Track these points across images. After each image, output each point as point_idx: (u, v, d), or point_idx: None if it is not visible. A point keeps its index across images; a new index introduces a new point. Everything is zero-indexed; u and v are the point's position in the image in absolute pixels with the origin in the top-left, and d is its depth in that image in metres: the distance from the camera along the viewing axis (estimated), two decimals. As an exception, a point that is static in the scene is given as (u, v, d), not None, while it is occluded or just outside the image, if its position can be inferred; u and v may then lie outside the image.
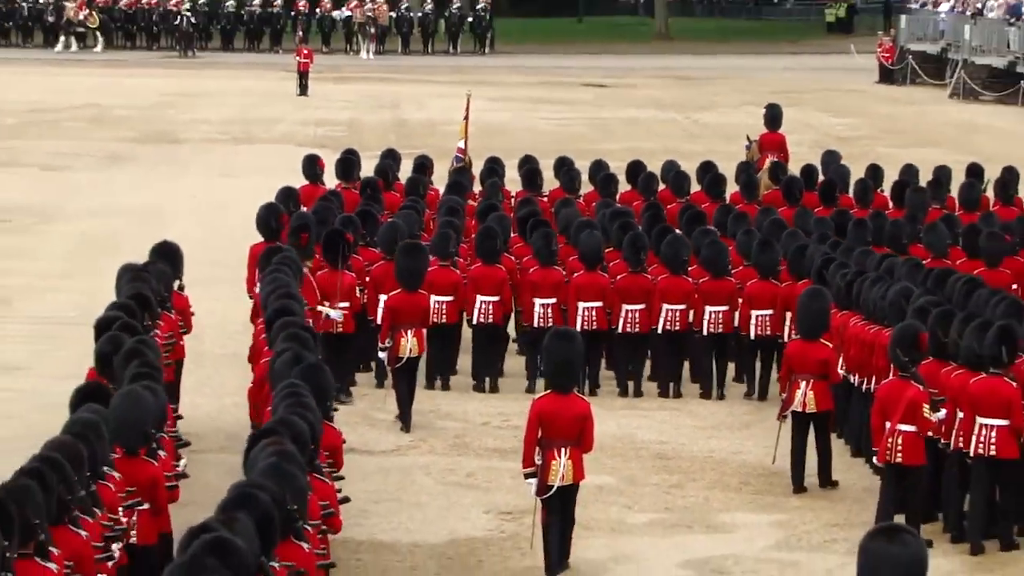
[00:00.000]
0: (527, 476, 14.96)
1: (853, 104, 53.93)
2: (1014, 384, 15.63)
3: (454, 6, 71.68)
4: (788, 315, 20.23)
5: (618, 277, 20.99)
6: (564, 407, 14.86)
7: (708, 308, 20.76)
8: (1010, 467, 15.67)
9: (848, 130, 46.02)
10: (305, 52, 54.97)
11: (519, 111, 49.31)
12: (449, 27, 71.30)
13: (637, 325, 20.84)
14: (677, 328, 20.85)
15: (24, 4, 70.22)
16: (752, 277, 20.92)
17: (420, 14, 71.17)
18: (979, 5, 59.91)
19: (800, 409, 17.40)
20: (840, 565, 15.28)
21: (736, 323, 20.87)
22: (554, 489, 14.75)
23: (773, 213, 23.77)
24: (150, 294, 17.10)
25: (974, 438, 15.60)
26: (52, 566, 10.66)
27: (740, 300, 20.90)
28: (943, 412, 15.80)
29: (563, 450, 14.75)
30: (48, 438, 12.11)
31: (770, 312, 20.55)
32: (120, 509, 12.38)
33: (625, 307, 20.80)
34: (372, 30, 68.71)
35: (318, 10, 71.10)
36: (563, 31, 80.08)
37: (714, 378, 21.29)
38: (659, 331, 20.87)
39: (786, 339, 20.33)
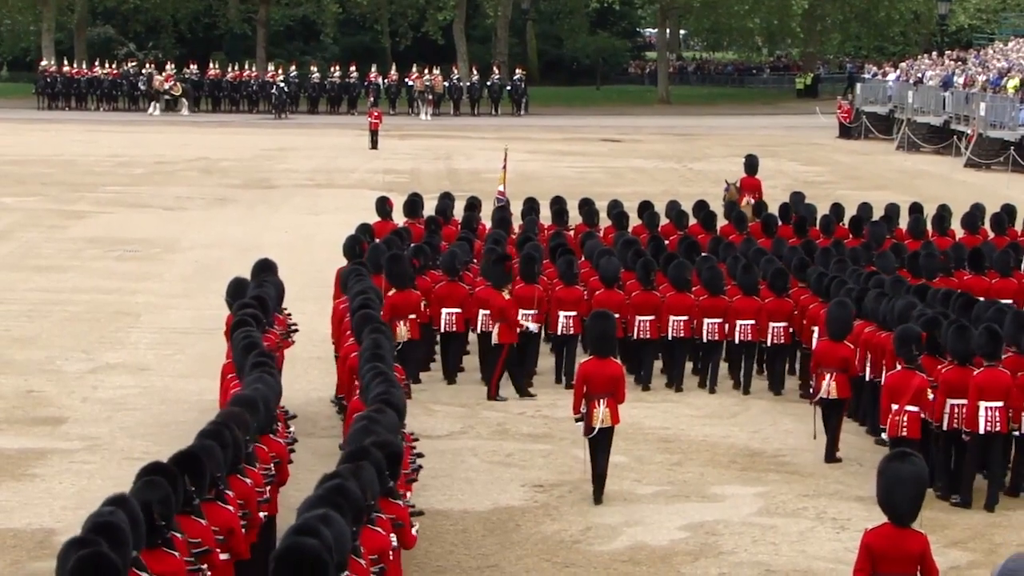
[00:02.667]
0: (576, 420, 15.64)
1: (818, 155, 53.71)
2: (1008, 373, 15.68)
3: (495, 77, 71.92)
4: (771, 324, 20.21)
5: (633, 294, 20.89)
6: (602, 368, 15.47)
7: (706, 320, 20.62)
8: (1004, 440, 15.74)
9: (814, 176, 45.78)
10: (376, 114, 54.99)
11: (549, 161, 49.22)
12: (491, 94, 71.55)
13: (648, 333, 20.74)
14: (682, 335, 20.76)
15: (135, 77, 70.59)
16: (737, 294, 20.81)
17: (468, 84, 71.55)
18: (919, 75, 59.89)
19: (825, 396, 17.33)
20: (810, 528, 15.11)
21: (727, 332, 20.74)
22: (596, 431, 15.29)
23: (755, 243, 23.69)
24: (268, 298, 17.25)
25: (982, 419, 15.51)
26: (229, 508, 10.94)
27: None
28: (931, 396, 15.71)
29: (602, 400, 15.31)
30: (169, 426, 12.10)
31: (752, 322, 20.44)
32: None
33: (638, 318, 20.65)
34: (430, 96, 69.08)
35: (386, 80, 71.29)
36: (584, 97, 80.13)
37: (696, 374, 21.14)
38: (668, 338, 20.79)
39: (768, 343, 20.34)
